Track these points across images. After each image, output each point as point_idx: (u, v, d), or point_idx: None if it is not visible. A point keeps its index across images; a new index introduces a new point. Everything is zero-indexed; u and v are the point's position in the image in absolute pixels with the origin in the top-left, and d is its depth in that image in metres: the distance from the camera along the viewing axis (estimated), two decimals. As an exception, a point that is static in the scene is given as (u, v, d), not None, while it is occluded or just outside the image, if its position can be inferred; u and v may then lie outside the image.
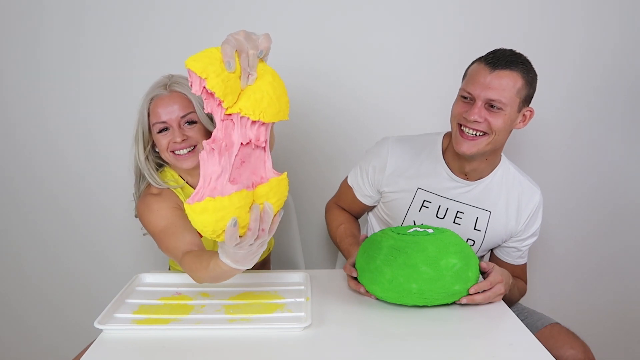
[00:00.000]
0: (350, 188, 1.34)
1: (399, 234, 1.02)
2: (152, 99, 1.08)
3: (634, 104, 1.63)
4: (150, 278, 1.13)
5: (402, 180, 1.25)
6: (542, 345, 0.82)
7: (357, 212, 1.39)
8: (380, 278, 0.96)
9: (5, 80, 1.60)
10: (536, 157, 1.67)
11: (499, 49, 1.13)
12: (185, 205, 0.68)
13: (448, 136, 1.25)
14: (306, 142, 1.65)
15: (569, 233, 1.73)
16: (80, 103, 1.62)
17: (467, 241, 1.23)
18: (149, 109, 1.09)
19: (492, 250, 1.32)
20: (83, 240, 1.72)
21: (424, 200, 1.23)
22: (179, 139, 1.06)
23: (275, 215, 0.73)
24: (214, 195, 0.66)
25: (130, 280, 1.09)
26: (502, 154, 1.24)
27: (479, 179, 1.22)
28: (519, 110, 1.13)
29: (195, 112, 1.08)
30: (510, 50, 1.13)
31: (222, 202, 0.65)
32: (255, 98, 0.68)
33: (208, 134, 1.09)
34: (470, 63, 1.17)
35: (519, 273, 1.29)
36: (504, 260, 1.28)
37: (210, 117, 1.09)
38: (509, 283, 1.07)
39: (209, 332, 0.87)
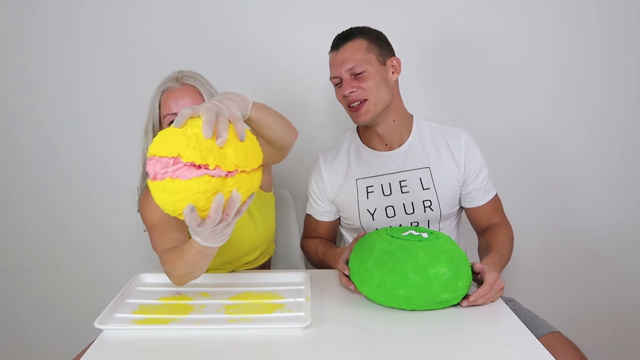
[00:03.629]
0: (309, 216, 1.41)
1: (392, 236, 1.01)
2: (163, 92, 1.10)
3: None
4: (150, 278, 1.13)
5: (341, 181, 1.31)
6: (542, 345, 0.81)
7: (327, 234, 1.41)
8: (369, 280, 0.96)
9: (2, 81, 1.60)
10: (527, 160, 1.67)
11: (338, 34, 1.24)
12: (148, 181, 0.68)
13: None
14: (306, 142, 1.64)
15: (576, 237, 1.72)
16: (78, 103, 1.62)
17: (424, 203, 1.25)
18: (160, 101, 1.10)
19: (461, 207, 1.33)
20: (83, 240, 1.72)
21: (366, 187, 1.28)
22: None
23: (243, 203, 0.72)
24: (174, 176, 0.66)
25: (130, 280, 1.10)
26: (414, 115, 1.31)
27: (401, 144, 1.27)
28: (383, 64, 1.21)
29: None
30: (348, 29, 1.23)
31: (179, 185, 0.65)
32: (247, 155, 0.70)
33: None
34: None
35: (492, 211, 1.29)
36: (477, 207, 1.29)
37: None
38: (503, 265, 1.12)
39: (209, 332, 0.87)
